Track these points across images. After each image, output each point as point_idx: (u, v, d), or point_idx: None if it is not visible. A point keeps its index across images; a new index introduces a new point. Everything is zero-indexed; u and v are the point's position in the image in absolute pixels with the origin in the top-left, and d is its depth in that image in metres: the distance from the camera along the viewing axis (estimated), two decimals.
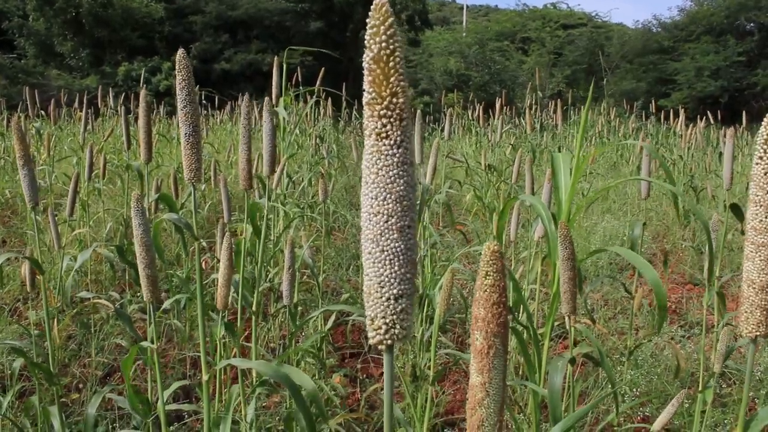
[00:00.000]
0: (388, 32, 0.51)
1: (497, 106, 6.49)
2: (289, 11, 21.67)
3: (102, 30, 19.76)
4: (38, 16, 19.61)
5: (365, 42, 0.52)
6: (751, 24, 23.71)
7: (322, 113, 6.78)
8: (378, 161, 0.53)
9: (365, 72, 0.52)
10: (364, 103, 0.53)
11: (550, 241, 1.31)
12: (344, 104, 8.45)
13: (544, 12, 30.94)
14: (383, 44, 0.51)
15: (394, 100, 0.52)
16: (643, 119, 10.68)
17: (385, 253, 0.54)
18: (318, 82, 4.34)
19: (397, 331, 0.55)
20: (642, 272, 1.17)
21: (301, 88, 4.10)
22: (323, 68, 4.45)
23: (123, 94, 7.27)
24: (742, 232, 1.95)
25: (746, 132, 9.10)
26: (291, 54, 2.78)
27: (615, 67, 24.32)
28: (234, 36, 21.33)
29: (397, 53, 0.51)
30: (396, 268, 0.54)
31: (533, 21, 29.73)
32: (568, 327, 1.33)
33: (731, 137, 2.04)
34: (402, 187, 0.53)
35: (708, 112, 8.48)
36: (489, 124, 7.34)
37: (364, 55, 0.52)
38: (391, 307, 0.54)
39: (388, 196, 0.53)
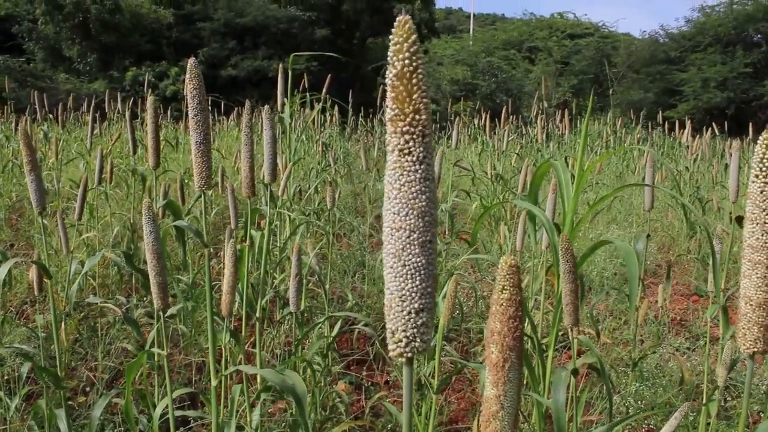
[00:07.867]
0: (411, 49, 0.52)
1: (503, 114, 6.51)
2: (296, 19, 21.77)
3: (110, 35, 19.89)
4: (47, 20, 19.74)
5: (388, 59, 0.52)
6: (759, 35, 23.67)
7: (328, 120, 6.78)
8: (401, 177, 0.53)
9: (388, 88, 0.53)
10: (386, 119, 0.54)
11: (553, 251, 1.31)
12: (350, 112, 8.47)
13: (551, 21, 30.99)
14: (406, 61, 0.52)
15: (417, 116, 0.52)
16: (650, 130, 10.66)
17: (407, 267, 0.55)
18: (324, 89, 4.36)
19: (417, 344, 0.56)
20: (625, 259, 1.23)
21: (307, 94, 4.12)
22: (330, 75, 4.46)
23: (131, 99, 7.30)
24: None
25: (753, 143, 9.09)
26: (297, 60, 2.80)
27: (622, 77, 24.30)
28: (241, 42, 21.43)
29: (419, 70, 0.52)
30: (417, 282, 0.55)
31: (540, 30, 29.77)
32: (570, 338, 1.34)
33: (737, 150, 2.05)
34: (424, 203, 0.54)
35: (714, 123, 8.48)
36: (495, 133, 7.35)
37: (387, 72, 0.53)
38: (412, 320, 0.55)
39: (410, 211, 0.54)
